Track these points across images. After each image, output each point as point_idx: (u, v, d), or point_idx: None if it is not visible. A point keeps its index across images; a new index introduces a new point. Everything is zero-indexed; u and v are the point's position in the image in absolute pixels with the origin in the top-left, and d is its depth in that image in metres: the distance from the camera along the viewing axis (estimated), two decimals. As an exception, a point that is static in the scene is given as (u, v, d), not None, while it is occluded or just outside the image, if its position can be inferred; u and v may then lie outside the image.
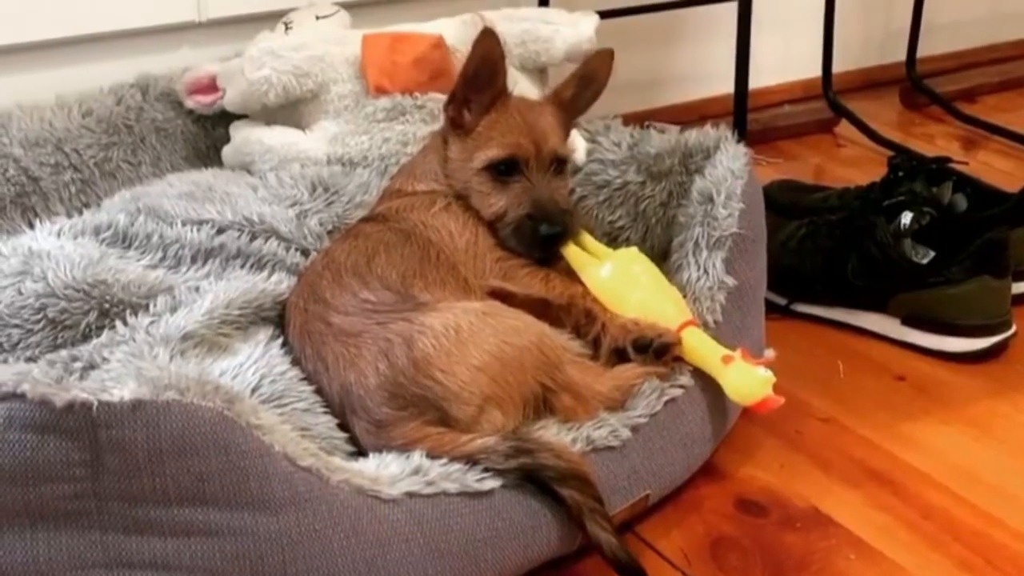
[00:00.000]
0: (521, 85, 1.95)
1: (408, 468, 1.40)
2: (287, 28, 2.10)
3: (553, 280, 1.68)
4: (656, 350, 1.59)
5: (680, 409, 1.60)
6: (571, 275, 1.70)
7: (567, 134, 1.79)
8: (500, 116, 1.72)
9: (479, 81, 1.70)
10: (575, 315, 1.63)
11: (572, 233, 1.72)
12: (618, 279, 1.66)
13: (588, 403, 1.54)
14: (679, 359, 1.60)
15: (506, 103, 1.72)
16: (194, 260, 1.72)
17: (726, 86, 2.38)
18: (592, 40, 2.08)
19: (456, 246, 1.68)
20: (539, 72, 2.08)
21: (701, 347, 1.59)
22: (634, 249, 1.72)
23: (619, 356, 1.61)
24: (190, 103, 2.08)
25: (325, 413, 1.52)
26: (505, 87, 1.71)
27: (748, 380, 1.55)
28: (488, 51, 1.68)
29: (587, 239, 1.74)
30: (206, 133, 2.12)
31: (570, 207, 1.76)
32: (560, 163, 1.75)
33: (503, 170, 1.71)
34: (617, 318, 1.62)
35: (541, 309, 1.63)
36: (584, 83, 1.79)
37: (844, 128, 2.85)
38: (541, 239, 1.69)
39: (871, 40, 3.08)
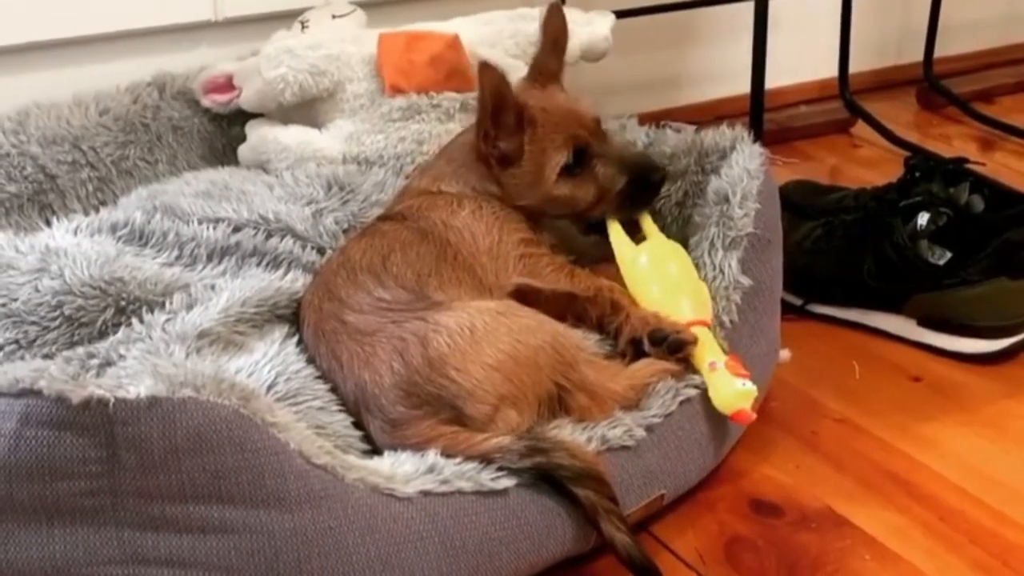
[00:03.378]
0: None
1: (423, 467, 1.40)
2: (303, 27, 2.11)
3: (578, 274, 1.68)
4: (671, 345, 1.59)
5: (695, 409, 1.60)
6: (593, 272, 1.70)
7: None
8: (535, 127, 1.72)
9: (498, 111, 1.70)
10: (601, 306, 1.64)
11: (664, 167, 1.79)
12: (648, 270, 1.67)
13: (603, 402, 1.54)
14: (691, 356, 1.61)
15: (531, 113, 1.72)
16: (210, 258, 1.73)
17: (742, 86, 2.38)
18: (608, 39, 2.09)
19: (478, 247, 1.67)
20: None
21: (698, 348, 1.59)
22: (671, 242, 1.73)
23: (635, 348, 1.61)
24: (206, 102, 2.09)
25: (340, 411, 1.52)
26: (519, 102, 1.71)
27: (724, 390, 1.55)
28: (494, 86, 1.67)
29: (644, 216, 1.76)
30: (222, 132, 2.13)
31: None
32: (600, 123, 1.78)
33: (575, 164, 1.72)
34: (640, 310, 1.63)
35: (567, 303, 1.64)
36: (555, 46, 1.82)
37: (860, 129, 2.84)
38: (654, 185, 1.75)
39: (888, 40, 3.07)
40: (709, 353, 1.58)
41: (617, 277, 1.70)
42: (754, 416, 1.55)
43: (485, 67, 1.67)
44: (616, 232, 1.73)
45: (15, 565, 1.23)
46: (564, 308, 1.61)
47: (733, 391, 1.54)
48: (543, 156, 1.72)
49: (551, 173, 1.72)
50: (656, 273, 1.67)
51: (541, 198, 1.73)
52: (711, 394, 1.56)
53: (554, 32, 1.81)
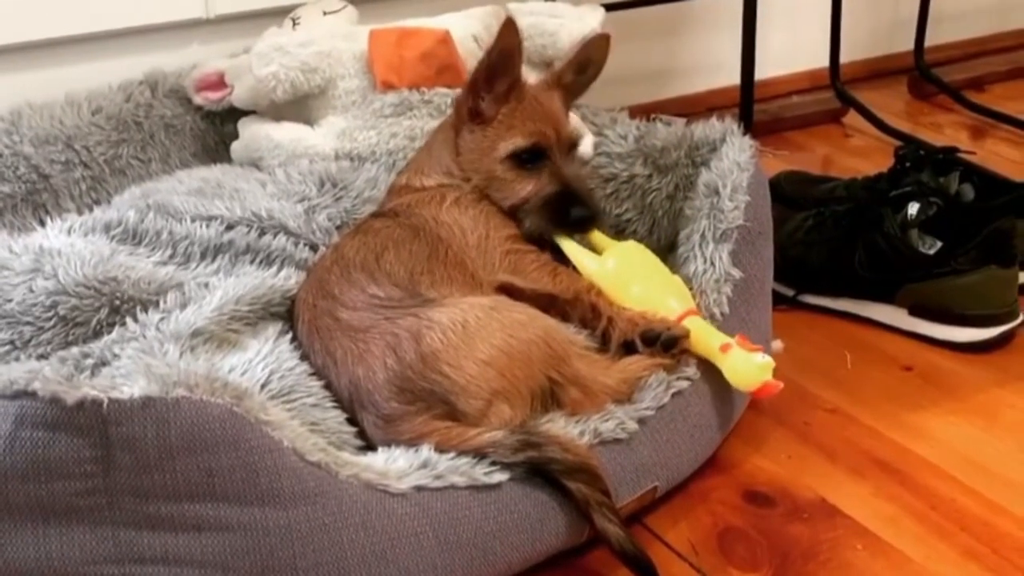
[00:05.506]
0: (527, 76, 1.95)
1: (416, 462, 1.41)
2: (295, 24, 2.11)
3: (561, 275, 1.69)
4: (664, 343, 1.60)
5: (687, 401, 1.61)
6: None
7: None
8: (519, 105, 1.74)
9: (497, 71, 1.71)
10: (581, 310, 1.64)
11: (600, 217, 1.76)
12: (619, 273, 1.67)
13: (595, 396, 1.55)
14: (686, 351, 1.61)
15: (522, 91, 1.74)
16: (203, 256, 1.73)
17: (733, 77, 2.39)
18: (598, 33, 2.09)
19: (467, 242, 1.69)
20: (545, 65, 2.08)
21: (701, 336, 1.60)
22: (632, 242, 1.74)
23: (627, 349, 1.62)
24: (199, 100, 2.09)
25: (334, 408, 1.53)
26: (520, 76, 1.73)
27: (746, 366, 1.55)
28: (508, 43, 1.69)
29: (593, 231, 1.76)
30: (215, 129, 2.13)
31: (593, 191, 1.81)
32: (574, 147, 1.78)
33: (528, 158, 1.73)
34: (625, 311, 1.64)
35: (548, 303, 1.65)
36: (581, 68, 1.81)
37: (852, 118, 2.85)
38: (572, 221, 1.72)
39: (879, 29, 3.08)
40: (714, 338, 1.59)
41: None
42: (781, 385, 1.56)
43: (510, 24, 1.68)
44: (572, 247, 1.73)
45: (12, 565, 1.24)
46: (545, 308, 1.62)
47: (755, 365, 1.55)
48: (507, 132, 1.73)
49: (503, 151, 1.73)
50: (631, 273, 1.68)
51: (484, 171, 1.74)
52: (729, 375, 1.57)
53: (589, 57, 1.81)
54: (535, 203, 1.73)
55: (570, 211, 1.72)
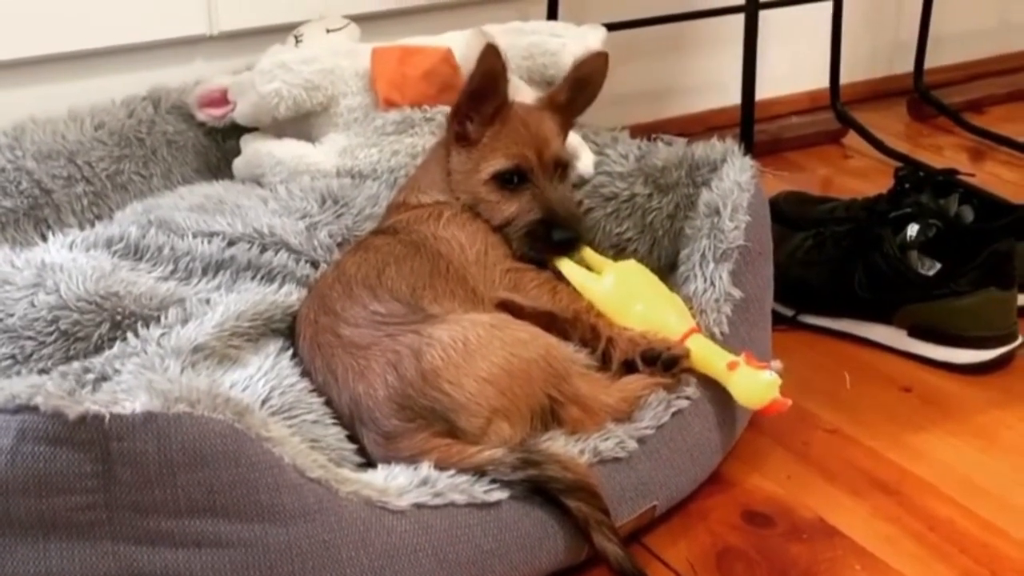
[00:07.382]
0: (527, 96, 1.96)
1: (416, 479, 1.42)
2: (297, 41, 2.12)
3: (560, 293, 1.70)
4: (665, 362, 1.60)
5: (687, 420, 1.61)
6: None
7: (565, 137, 1.82)
8: (503, 127, 1.75)
9: (481, 95, 1.72)
10: (580, 329, 1.65)
11: (584, 238, 1.76)
12: (619, 292, 1.68)
13: (595, 415, 1.55)
14: (687, 370, 1.62)
15: (508, 113, 1.75)
16: (205, 272, 1.74)
17: (733, 97, 2.39)
18: (600, 53, 2.09)
19: (467, 258, 1.70)
20: (546, 84, 2.09)
21: (706, 354, 1.60)
22: (632, 261, 1.75)
23: (628, 368, 1.62)
24: (201, 116, 2.10)
25: (334, 424, 1.54)
26: (506, 98, 1.74)
27: (754, 384, 1.56)
28: (490, 67, 1.70)
29: (586, 251, 1.77)
30: (217, 146, 2.14)
31: (579, 212, 1.82)
32: (563, 167, 1.79)
33: (510, 179, 1.74)
34: (625, 331, 1.64)
35: (548, 321, 1.65)
36: (578, 86, 1.82)
37: (851, 139, 2.86)
38: (555, 244, 1.73)
39: (879, 51, 3.09)
40: (720, 357, 1.60)
41: None
42: (789, 402, 1.56)
43: (491, 49, 1.69)
44: (570, 268, 1.73)
45: (12, 579, 1.24)
46: (545, 327, 1.63)
47: (762, 383, 1.56)
48: (491, 154, 1.75)
49: (485, 172, 1.75)
50: (631, 291, 1.68)
51: (471, 192, 1.76)
52: (737, 393, 1.57)
53: (586, 75, 1.82)
54: (517, 228, 1.74)
55: (552, 234, 1.73)
